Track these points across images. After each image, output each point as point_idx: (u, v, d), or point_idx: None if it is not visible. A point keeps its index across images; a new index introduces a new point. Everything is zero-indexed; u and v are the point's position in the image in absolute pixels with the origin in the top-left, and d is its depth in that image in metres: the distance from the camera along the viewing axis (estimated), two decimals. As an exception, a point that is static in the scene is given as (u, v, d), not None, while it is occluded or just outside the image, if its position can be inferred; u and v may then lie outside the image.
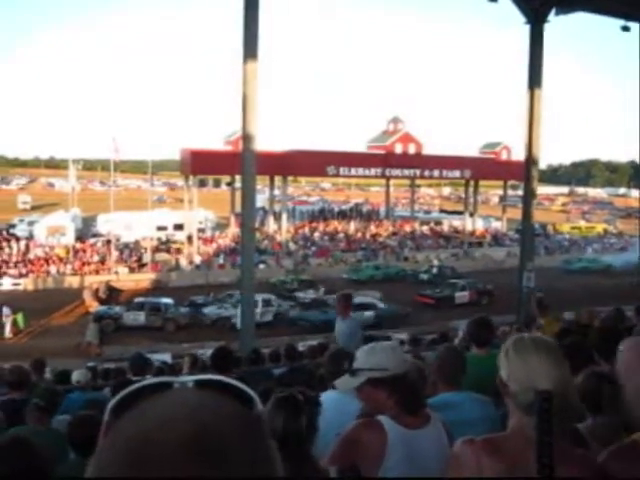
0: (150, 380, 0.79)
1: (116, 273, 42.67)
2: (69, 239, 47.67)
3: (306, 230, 55.31)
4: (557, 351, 2.17)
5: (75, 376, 8.90)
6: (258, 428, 0.73)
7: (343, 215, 62.19)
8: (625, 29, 28.24)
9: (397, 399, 2.89)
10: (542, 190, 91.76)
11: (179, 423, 0.65)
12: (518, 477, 1.92)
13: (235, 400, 0.75)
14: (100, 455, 0.68)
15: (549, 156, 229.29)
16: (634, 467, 1.70)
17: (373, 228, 57.26)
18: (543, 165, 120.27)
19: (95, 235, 50.72)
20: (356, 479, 2.79)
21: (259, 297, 32.58)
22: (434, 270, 45.62)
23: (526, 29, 27.35)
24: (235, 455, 0.65)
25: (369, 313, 31.07)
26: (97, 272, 42.83)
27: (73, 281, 41.24)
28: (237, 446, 0.66)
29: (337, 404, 3.86)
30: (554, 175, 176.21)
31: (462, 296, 37.95)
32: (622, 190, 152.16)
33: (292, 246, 50.15)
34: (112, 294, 39.11)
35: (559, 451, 1.66)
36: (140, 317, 32.41)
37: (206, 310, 33.84)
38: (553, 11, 27.29)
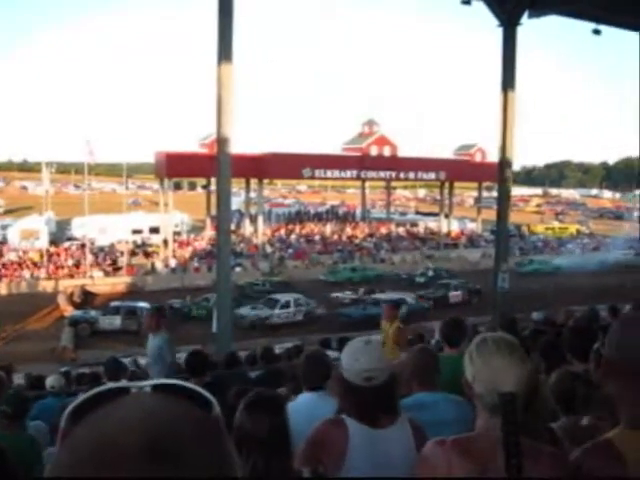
0: (106, 386, 0.79)
1: (91, 277, 42.33)
2: (43, 243, 47.10)
3: (282, 232, 55.26)
4: (520, 351, 2.18)
5: (49, 381, 8.80)
6: (215, 430, 0.73)
7: (319, 217, 62.24)
8: (596, 32, 28.55)
9: (361, 404, 2.90)
10: (516, 191, 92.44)
11: (136, 427, 0.65)
12: (488, 477, 1.93)
13: (193, 403, 0.75)
14: (58, 460, 0.68)
15: (523, 158, 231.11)
16: (608, 465, 1.72)
17: (349, 230, 57.36)
18: (517, 167, 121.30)
19: (70, 239, 50.37)
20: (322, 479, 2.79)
21: (290, 297, 35.63)
22: (430, 273, 45.92)
23: (500, 32, 27.57)
24: (191, 457, 0.65)
25: (402, 308, 33.83)
26: (72, 276, 42.44)
27: (47, 285, 40.84)
28: (193, 448, 0.66)
29: (311, 405, 3.86)
30: (528, 176, 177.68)
31: (455, 296, 39.45)
32: (594, 191, 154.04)
33: (268, 248, 50.10)
34: (87, 298, 38.80)
35: (528, 449, 1.68)
36: (116, 321, 32.18)
37: (242, 312, 33.82)
38: (526, 14, 27.54)
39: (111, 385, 0.78)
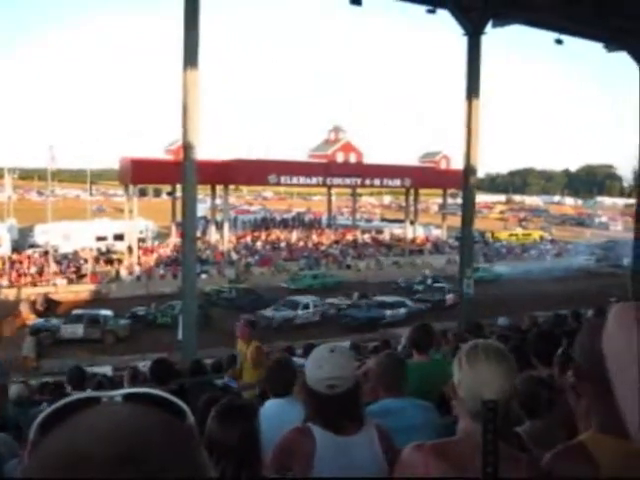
0: (77, 396, 0.78)
1: (54, 285, 41.74)
2: (5, 250, 46.26)
3: (248, 239, 55.12)
4: (508, 361, 2.22)
5: (11, 391, 8.67)
6: (187, 438, 0.72)
7: (285, 224, 62.22)
8: (559, 42, 28.93)
9: (326, 412, 2.90)
10: (481, 198, 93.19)
11: (106, 436, 0.65)
12: (465, 477, 1.96)
13: (165, 412, 0.74)
14: (25, 471, 0.66)
15: (488, 165, 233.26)
16: (581, 468, 1.73)
17: (315, 237, 57.37)
18: (482, 174, 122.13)
19: (32, 246, 49.44)
20: None
21: (309, 299, 37.76)
22: (428, 281, 46.34)
23: (465, 40, 27.76)
24: (162, 464, 0.64)
25: (402, 310, 37.64)
26: (34, 284, 41.77)
27: (9, 293, 40.12)
28: (165, 456, 0.65)
29: (279, 411, 3.85)
30: (492, 183, 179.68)
31: (450, 299, 40.29)
32: (557, 198, 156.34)
33: (234, 255, 49.90)
34: (50, 306, 38.21)
35: (505, 455, 1.69)
36: (78, 330, 31.72)
37: (268, 314, 35.20)
38: (490, 23, 27.78)
39: (81, 395, 0.77)
